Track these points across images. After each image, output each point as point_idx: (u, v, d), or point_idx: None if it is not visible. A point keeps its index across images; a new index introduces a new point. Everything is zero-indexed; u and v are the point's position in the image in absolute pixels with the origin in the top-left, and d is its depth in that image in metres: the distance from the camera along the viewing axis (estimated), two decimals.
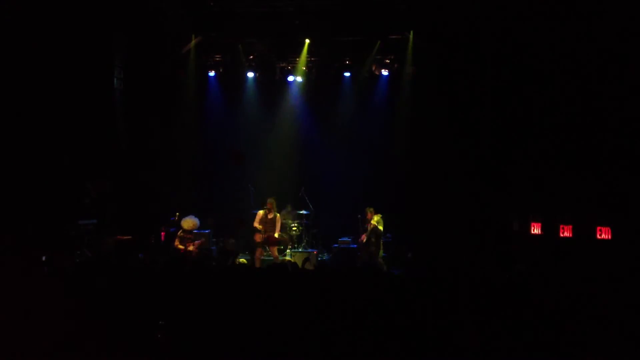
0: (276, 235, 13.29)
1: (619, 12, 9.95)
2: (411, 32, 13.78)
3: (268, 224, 13.18)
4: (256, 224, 13.25)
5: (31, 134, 12.19)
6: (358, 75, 15.37)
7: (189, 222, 12.44)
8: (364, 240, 12.96)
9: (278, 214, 13.51)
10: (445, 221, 13.57)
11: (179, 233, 12.49)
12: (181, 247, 12.18)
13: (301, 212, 14.86)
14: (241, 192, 15.39)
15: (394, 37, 14.16)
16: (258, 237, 13.22)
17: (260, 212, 13.45)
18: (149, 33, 12.90)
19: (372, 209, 13.06)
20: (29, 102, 12.01)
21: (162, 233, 13.21)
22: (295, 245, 14.53)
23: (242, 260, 13.49)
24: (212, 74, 15.49)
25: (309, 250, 14.28)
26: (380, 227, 12.86)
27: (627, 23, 9.82)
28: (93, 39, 11.95)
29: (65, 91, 12.58)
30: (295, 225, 14.71)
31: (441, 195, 14.06)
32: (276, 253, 13.39)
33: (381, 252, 13.40)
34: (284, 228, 14.46)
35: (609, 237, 11.00)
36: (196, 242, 12.44)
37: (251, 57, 15.08)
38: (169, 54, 14.75)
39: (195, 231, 13.92)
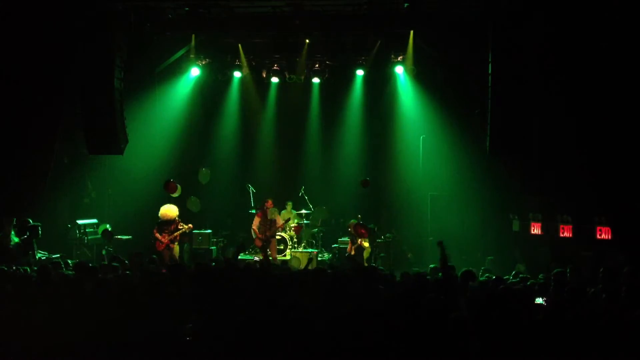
0: (277, 230, 13.36)
1: None
2: (411, 32, 13.77)
3: (268, 224, 13.19)
4: (254, 227, 13.25)
5: (29, 133, 12.17)
6: (358, 75, 15.37)
7: (164, 210, 12.31)
8: (352, 253, 12.92)
9: (277, 213, 13.53)
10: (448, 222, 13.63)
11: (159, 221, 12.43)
12: (158, 235, 12.11)
13: (301, 211, 14.88)
14: (240, 193, 15.42)
15: (394, 36, 14.15)
16: (258, 242, 13.23)
17: (259, 213, 13.47)
18: (149, 33, 12.85)
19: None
20: (28, 101, 11.99)
21: (162, 235, 13.17)
22: (295, 245, 14.52)
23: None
24: (211, 74, 15.44)
25: (309, 250, 14.29)
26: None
27: None
28: (93, 39, 11.90)
29: (65, 91, 12.55)
30: (296, 225, 14.69)
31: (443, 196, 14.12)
32: (275, 253, 13.40)
33: (382, 254, 13.47)
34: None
35: (609, 237, 11.03)
36: (175, 234, 12.27)
37: (251, 57, 15.05)
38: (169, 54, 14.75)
39: (195, 231, 13.97)
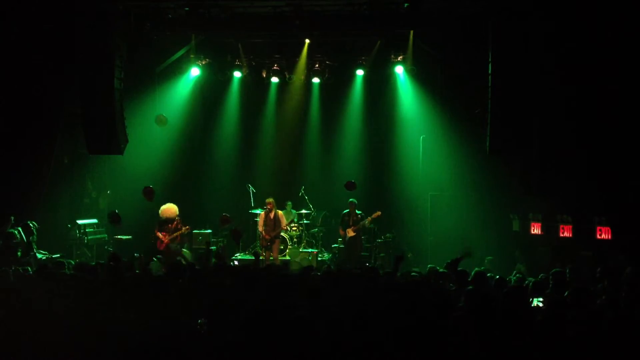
0: (282, 230, 13.38)
1: None
2: (411, 32, 13.77)
3: (271, 224, 13.20)
4: (260, 228, 13.31)
5: (29, 133, 12.17)
6: (358, 75, 15.36)
7: (164, 208, 12.27)
8: (352, 235, 13.07)
9: (280, 211, 13.54)
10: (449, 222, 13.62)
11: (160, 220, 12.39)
12: (159, 234, 12.06)
13: (301, 211, 14.87)
14: (241, 193, 15.40)
15: (394, 36, 14.15)
16: (263, 242, 13.27)
17: (262, 213, 13.48)
18: (149, 33, 12.84)
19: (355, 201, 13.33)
20: (28, 101, 11.99)
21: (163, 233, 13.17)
22: (295, 245, 14.51)
23: None
24: (211, 74, 15.43)
25: (309, 250, 14.28)
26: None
27: None
28: (93, 39, 11.90)
29: (65, 91, 12.55)
30: (295, 225, 14.70)
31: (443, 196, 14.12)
32: (277, 254, 13.40)
33: (382, 254, 13.47)
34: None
35: (609, 237, 11.03)
36: (175, 234, 12.22)
37: (251, 57, 15.05)
38: (169, 54, 14.75)
39: (195, 231, 13.96)
